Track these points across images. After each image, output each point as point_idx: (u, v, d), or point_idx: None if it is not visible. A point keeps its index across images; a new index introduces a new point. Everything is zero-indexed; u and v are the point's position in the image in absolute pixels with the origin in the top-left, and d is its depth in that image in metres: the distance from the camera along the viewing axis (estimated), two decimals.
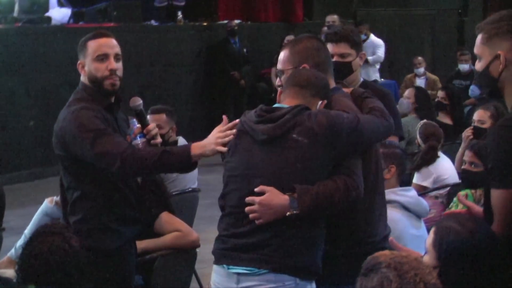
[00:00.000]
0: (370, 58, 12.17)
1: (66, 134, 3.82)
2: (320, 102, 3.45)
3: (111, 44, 3.94)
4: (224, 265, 3.37)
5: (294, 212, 3.28)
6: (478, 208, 3.35)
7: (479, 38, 3.06)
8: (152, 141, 3.95)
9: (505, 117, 3.04)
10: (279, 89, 3.58)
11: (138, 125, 3.96)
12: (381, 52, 12.59)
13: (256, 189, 3.32)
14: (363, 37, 12.68)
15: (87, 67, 3.93)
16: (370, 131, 3.46)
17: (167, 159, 3.66)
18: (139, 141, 3.92)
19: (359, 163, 3.43)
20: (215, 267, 3.44)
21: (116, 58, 3.93)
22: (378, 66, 12.65)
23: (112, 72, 3.90)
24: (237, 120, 3.53)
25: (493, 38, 3.01)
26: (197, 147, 3.67)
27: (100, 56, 3.90)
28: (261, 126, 3.38)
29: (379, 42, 12.92)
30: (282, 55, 3.63)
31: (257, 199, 3.30)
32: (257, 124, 3.40)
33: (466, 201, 3.43)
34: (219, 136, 3.57)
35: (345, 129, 3.34)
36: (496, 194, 2.90)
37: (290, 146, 3.32)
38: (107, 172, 3.77)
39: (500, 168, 2.87)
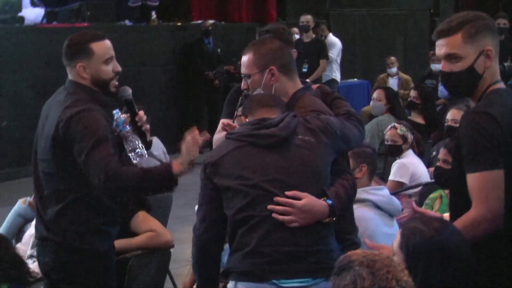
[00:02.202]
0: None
1: (71, 134, 3.74)
2: None
3: (111, 46, 3.97)
4: (274, 281, 3.20)
5: (333, 219, 3.32)
6: (432, 213, 3.41)
7: (458, 37, 3.07)
8: (143, 128, 3.96)
9: (478, 105, 3.10)
10: (242, 117, 3.54)
11: (125, 115, 3.96)
12: (332, 52, 12.58)
13: (288, 193, 3.24)
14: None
15: (91, 69, 3.87)
16: (352, 134, 3.55)
17: (149, 180, 3.66)
18: (128, 129, 3.91)
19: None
20: (251, 285, 3.23)
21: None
22: (335, 66, 12.65)
23: (117, 74, 3.92)
24: (207, 136, 3.51)
25: (476, 36, 3.05)
26: (176, 165, 3.65)
27: (108, 59, 3.90)
28: (266, 131, 3.31)
29: (333, 41, 12.93)
30: (246, 58, 3.59)
31: (298, 204, 3.23)
32: (259, 130, 3.33)
33: (419, 209, 3.49)
34: (188, 147, 3.56)
35: (337, 129, 3.43)
36: (473, 178, 2.96)
37: (299, 146, 3.32)
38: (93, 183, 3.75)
39: (476, 151, 2.95)
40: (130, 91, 4.01)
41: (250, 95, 3.61)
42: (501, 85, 3.13)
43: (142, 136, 3.95)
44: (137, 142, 3.87)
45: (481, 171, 2.94)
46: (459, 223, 2.96)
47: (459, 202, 3.08)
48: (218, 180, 3.31)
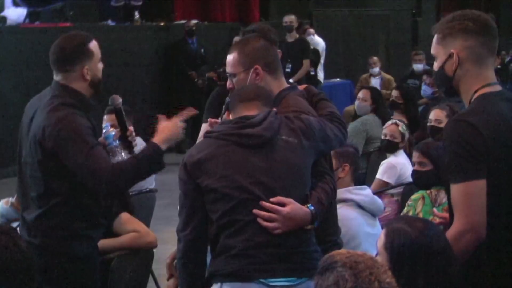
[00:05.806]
0: None
1: (58, 140, 3.68)
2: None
3: None
4: (261, 280, 3.22)
5: (315, 226, 3.35)
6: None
7: (434, 38, 3.13)
8: (133, 144, 3.99)
9: (460, 112, 3.11)
10: (227, 112, 3.53)
11: (115, 129, 3.95)
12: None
13: (273, 199, 3.24)
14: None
15: (92, 71, 3.84)
16: (333, 135, 3.55)
17: (144, 165, 3.73)
18: (117, 144, 3.92)
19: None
20: (238, 285, 3.24)
21: None
22: (318, 66, 12.69)
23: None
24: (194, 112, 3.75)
25: (447, 38, 3.08)
26: (162, 142, 3.78)
27: (100, 57, 3.90)
28: (251, 130, 3.28)
29: (316, 41, 12.96)
30: (231, 57, 3.59)
31: (283, 211, 3.24)
32: (242, 129, 3.29)
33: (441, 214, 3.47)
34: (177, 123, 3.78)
35: (317, 130, 3.42)
36: (454, 189, 2.93)
37: (283, 147, 3.30)
38: (92, 189, 3.74)
39: (455, 162, 2.91)
40: (120, 100, 4.01)
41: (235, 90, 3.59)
42: (492, 88, 3.06)
43: (130, 150, 3.97)
44: (124, 157, 3.89)
45: (461, 182, 2.90)
46: None
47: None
48: (202, 180, 3.26)
